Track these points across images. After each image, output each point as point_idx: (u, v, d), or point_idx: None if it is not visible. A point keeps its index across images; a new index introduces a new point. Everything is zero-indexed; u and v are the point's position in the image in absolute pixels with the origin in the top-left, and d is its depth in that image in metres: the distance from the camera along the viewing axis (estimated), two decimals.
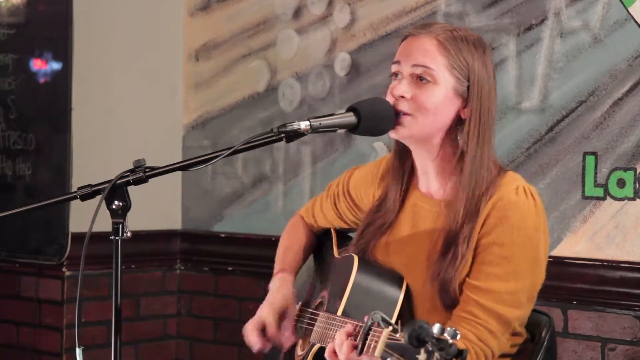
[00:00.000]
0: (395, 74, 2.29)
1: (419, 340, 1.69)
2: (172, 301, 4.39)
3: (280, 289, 2.50)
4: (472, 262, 2.24)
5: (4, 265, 4.27)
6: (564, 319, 3.31)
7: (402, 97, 2.24)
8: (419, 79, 2.24)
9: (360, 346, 1.95)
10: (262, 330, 2.46)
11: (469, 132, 2.25)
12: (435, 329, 1.69)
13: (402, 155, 2.38)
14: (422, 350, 1.70)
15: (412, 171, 2.39)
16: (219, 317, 4.27)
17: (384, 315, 1.89)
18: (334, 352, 2.06)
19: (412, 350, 1.72)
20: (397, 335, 1.83)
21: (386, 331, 1.86)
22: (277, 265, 2.60)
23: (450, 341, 1.68)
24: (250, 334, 2.46)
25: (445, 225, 2.27)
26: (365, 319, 1.94)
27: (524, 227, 2.21)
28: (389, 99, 2.27)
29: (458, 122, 2.28)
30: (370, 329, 1.93)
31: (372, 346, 1.91)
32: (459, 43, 2.25)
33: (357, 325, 2.04)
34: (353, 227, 2.57)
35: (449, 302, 2.24)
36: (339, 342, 2.04)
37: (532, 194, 2.25)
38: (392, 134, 2.28)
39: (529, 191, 2.25)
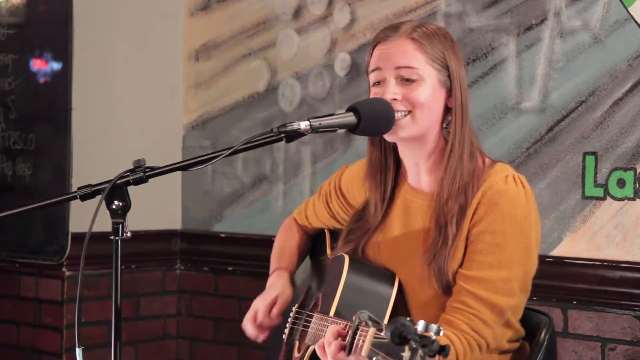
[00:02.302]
0: (377, 82, 2.30)
1: (401, 338, 1.70)
2: (172, 301, 4.39)
3: (274, 283, 2.55)
4: (465, 253, 2.25)
5: (4, 265, 4.27)
6: (564, 319, 3.31)
7: (394, 99, 2.26)
8: (405, 80, 2.26)
9: (348, 346, 1.95)
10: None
11: (455, 119, 2.29)
12: (420, 326, 1.70)
13: (382, 157, 2.39)
14: (407, 348, 1.71)
15: (397, 167, 2.40)
16: (219, 317, 4.27)
17: (371, 315, 1.90)
18: (324, 348, 2.07)
19: (398, 348, 1.72)
20: (383, 334, 1.84)
21: (372, 330, 1.86)
22: (272, 265, 2.63)
23: (433, 337, 1.69)
24: (246, 326, 2.53)
25: (435, 213, 2.29)
26: (353, 318, 1.94)
27: (514, 214, 2.23)
28: None
29: (446, 113, 2.30)
30: (357, 329, 1.93)
31: (359, 345, 1.92)
32: (430, 37, 2.30)
33: (347, 325, 2.05)
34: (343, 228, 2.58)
35: (447, 287, 2.25)
36: (328, 340, 2.05)
37: (521, 182, 2.27)
38: (390, 137, 2.29)
39: (519, 179, 2.28)
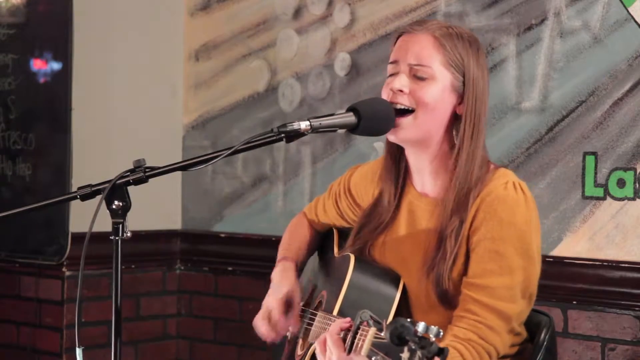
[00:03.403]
0: (392, 74, 2.29)
1: (400, 339, 1.70)
2: (172, 301, 4.39)
3: (282, 278, 2.50)
4: (468, 261, 2.24)
5: (4, 265, 4.27)
6: (564, 319, 3.31)
7: (401, 90, 2.25)
8: (417, 77, 2.25)
9: (349, 345, 1.95)
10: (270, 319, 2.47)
11: (464, 128, 2.26)
12: (420, 327, 1.70)
13: (396, 156, 2.38)
14: (405, 349, 1.70)
15: (406, 170, 2.39)
16: (219, 317, 4.27)
17: (373, 314, 1.90)
18: (324, 343, 2.07)
19: (397, 349, 1.72)
20: (382, 334, 1.84)
21: (372, 330, 1.86)
22: (279, 254, 2.61)
23: (432, 339, 1.69)
24: (260, 326, 2.47)
25: (438, 223, 2.28)
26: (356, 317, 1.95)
27: (513, 221, 2.21)
28: (386, 93, 2.27)
29: (454, 119, 2.28)
30: (359, 328, 1.93)
31: (359, 345, 1.92)
32: (454, 39, 2.27)
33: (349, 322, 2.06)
34: (354, 225, 2.58)
35: (445, 299, 2.24)
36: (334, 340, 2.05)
37: (522, 188, 2.25)
38: (391, 137, 2.28)
39: (519, 186, 2.25)
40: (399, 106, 2.25)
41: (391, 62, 2.30)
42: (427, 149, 2.30)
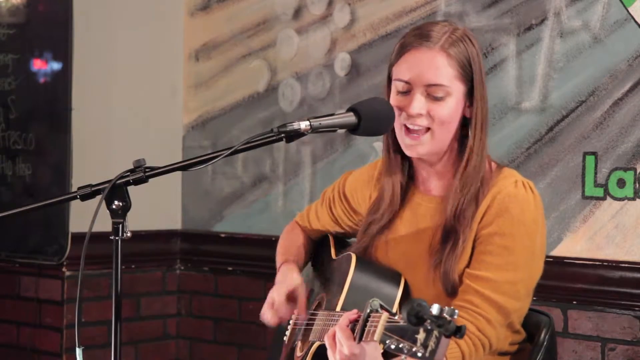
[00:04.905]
0: (403, 92, 2.29)
1: (417, 317, 1.69)
2: (172, 301, 4.39)
3: (286, 278, 2.51)
4: (473, 254, 2.26)
5: (4, 265, 4.27)
6: (564, 319, 3.31)
7: (420, 114, 2.26)
8: (434, 97, 2.26)
9: (359, 334, 1.95)
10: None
11: (474, 132, 2.29)
12: (434, 309, 1.69)
13: (396, 154, 2.39)
14: (421, 330, 1.70)
15: (409, 169, 2.40)
16: (219, 317, 4.27)
17: (382, 303, 1.89)
18: (333, 337, 2.06)
19: (411, 331, 1.72)
20: (396, 318, 1.83)
21: (385, 314, 1.86)
22: (278, 260, 2.61)
23: (449, 318, 1.68)
24: (265, 314, 2.47)
25: (443, 219, 2.29)
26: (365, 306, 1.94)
27: (523, 219, 2.24)
28: (403, 116, 2.27)
29: (463, 122, 2.31)
30: (369, 317, 1.93)
31: (371, 332, 1.91)
32: (459, 45, 2.28)
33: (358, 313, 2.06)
34: (349, 231, 2.59)
35: (453, 291, 2.26)
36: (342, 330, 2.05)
37: (530, 188, 2.29)
38: (409, 153, 2.30)
39: (528, 185, 2.29)
40: (417, 127, 2.26)
41: (400, 80, 2.29)
42: (439, 155, 2.32)
